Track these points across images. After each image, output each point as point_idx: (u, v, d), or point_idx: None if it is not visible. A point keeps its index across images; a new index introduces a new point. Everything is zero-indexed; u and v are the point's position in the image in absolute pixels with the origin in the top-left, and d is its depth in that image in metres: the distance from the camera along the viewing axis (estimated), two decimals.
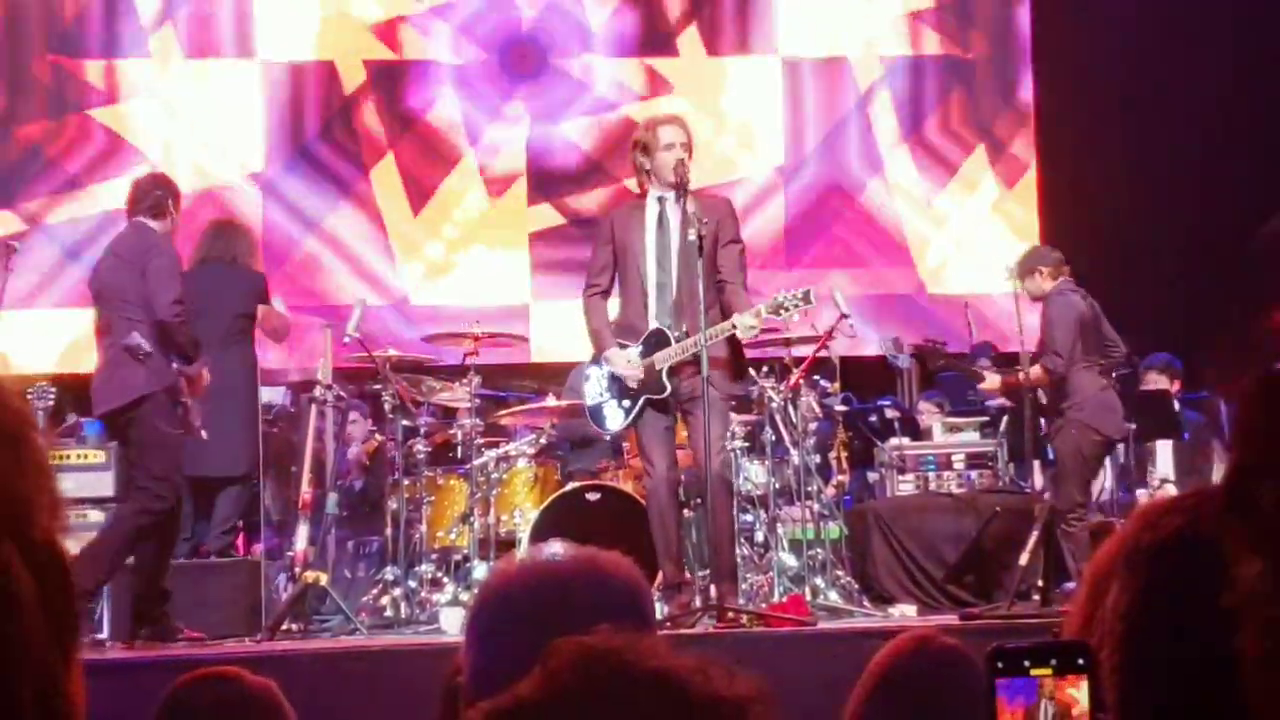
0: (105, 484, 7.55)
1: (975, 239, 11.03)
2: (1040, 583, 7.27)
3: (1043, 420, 7.98)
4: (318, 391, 8.19)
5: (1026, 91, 11.19)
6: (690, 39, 11.01)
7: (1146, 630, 1.47)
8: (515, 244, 10.81)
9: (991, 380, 8.38)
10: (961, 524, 8.43)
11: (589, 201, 10.71)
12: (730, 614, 6.42)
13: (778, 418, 7.96)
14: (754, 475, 8.04)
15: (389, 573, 7.82)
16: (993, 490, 8.66)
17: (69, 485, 6.44)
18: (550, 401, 8.43)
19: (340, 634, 7.31)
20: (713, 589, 6.54)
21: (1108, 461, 8.71)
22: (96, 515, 7.38)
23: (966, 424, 9.08)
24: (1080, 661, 1.45)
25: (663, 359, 6.77)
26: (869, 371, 10.10)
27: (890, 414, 9.32)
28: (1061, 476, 7.85)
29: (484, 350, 7.98)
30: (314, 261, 10.65)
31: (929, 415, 9.44)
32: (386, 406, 7.93)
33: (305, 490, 7.99)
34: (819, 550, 7.85)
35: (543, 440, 8.26)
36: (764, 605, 7.01)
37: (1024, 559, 7.26)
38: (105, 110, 10.52)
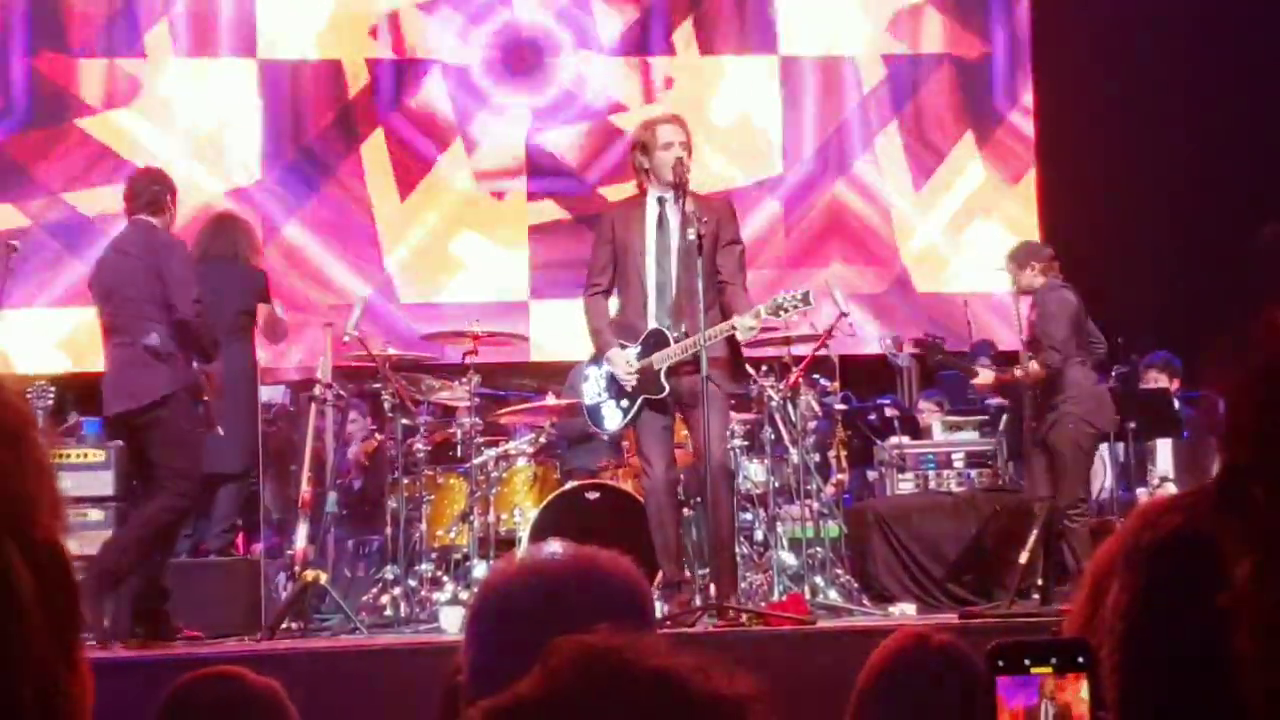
0: (105, 483, 7.55)
1: (975, 239, 11.03)
2: (1040, 581, 7.27)
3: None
4: (317, 390, 8.18)
5: (1026, 91, 11.19)
6: (686, 37, 11.00)
7: (1146, 629, 1.47)
8: (515, 242, 10.80)
9: (985, 376, 8.37)
10: (961, 523, 8.43)
11: (588, 200, 10.70)
12: (730, 613, 6.43)
13: (777, 416, 7.95)
14: (753, 474, 8.03)
15: (389, 572, 7.82)
16: (992, 489, 8.66)
17: (69, 484, 6.36)
18: (550, 400, 8.44)
19: (340, 633, 7.30)
20: (712, 587, 6.54)
21: (1108, 460, 8.70)
22: (96, 514, 7.38)
23: (966, 423, 9.08)
24: (1080, 660, 1.45)
25: (661, 359, 6.75)
26: (868, 370, 10.09)
27: (890, 412, 9.32)
28: (1061, 472, 7.79)
29: (483, 349, 7.98)
30: (314, 261, 10.63)
31: (929, 414, 9.44)
32: (386, 405, 7.94)
33: (305, 489, 7.98)
34: (818, 549, 7.85)
35: (542, 439, 8.26)
36: (763, 604, 7.01)
37: (1024, 557, 7.26)
38: (96, 118, 10.51)
